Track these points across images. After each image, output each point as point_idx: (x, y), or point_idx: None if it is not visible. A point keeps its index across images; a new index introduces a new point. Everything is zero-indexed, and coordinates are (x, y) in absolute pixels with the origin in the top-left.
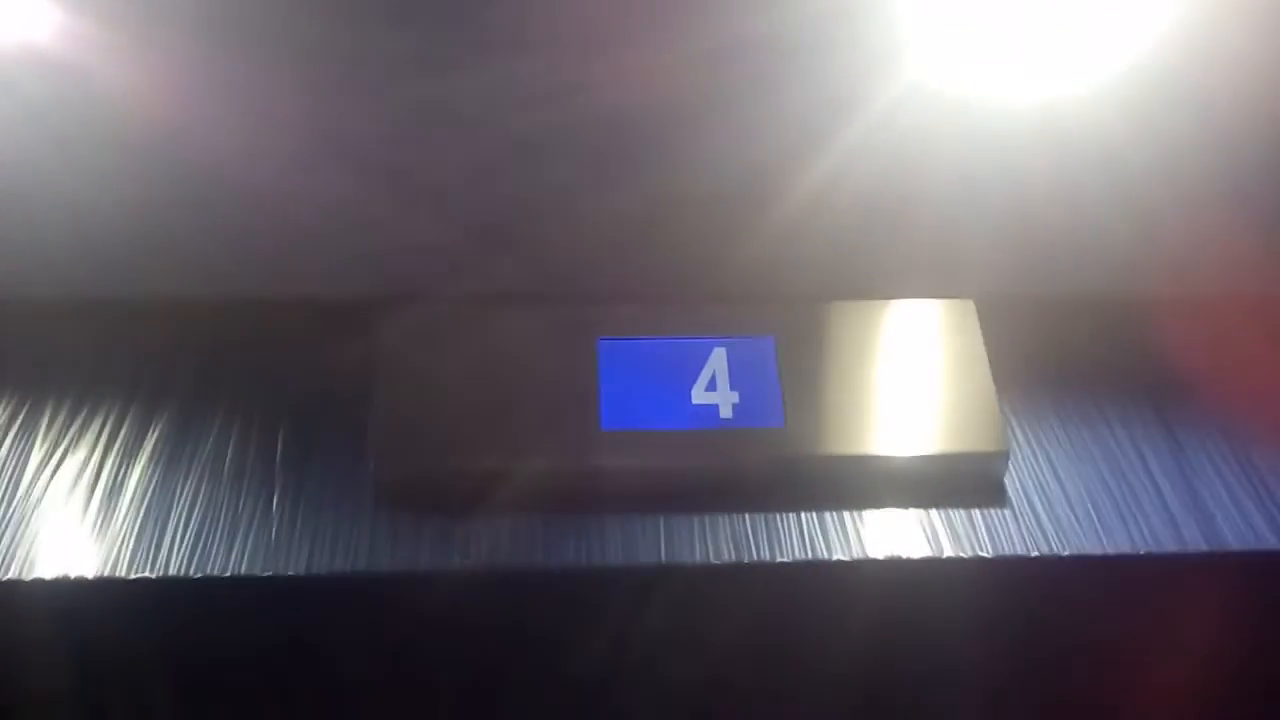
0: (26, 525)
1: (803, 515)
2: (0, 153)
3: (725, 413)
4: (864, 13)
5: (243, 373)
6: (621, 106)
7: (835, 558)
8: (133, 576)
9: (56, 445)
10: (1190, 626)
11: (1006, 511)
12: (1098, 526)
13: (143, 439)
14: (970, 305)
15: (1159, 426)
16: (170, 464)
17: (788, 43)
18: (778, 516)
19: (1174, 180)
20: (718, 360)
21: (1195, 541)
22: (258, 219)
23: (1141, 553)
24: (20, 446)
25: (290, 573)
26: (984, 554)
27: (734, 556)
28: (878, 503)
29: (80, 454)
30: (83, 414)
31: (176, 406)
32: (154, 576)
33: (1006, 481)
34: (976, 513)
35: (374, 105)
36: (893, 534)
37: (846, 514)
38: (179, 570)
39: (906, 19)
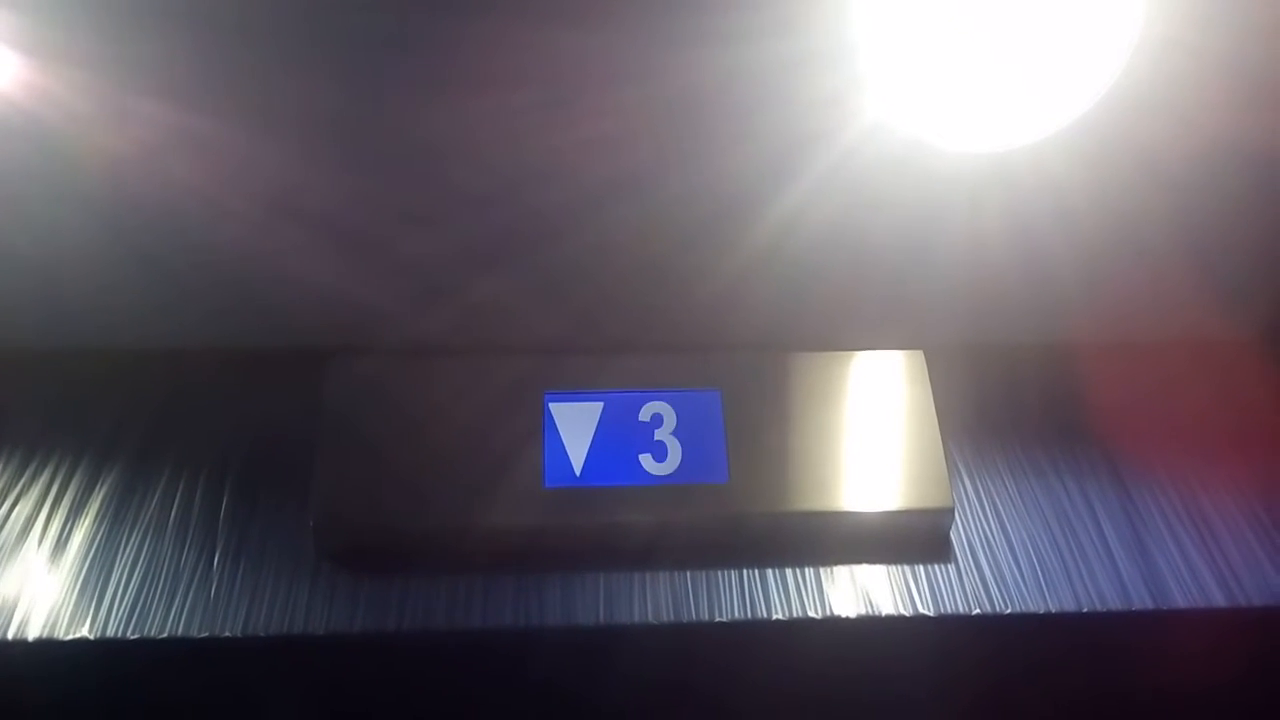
0: None
1: (744, 573)
2: None
3: (669, 469)
4: (815, 67)
5: (193, 425)
6: (568, 158)
7: (775, 617)
8: (70, 638)
9: (4, 499)
10: (1138, 681)
11: (951, 568)
12: (1042, 583)
13: (90, 493)
14: (920, 356)
15: (1109, 477)
16: (116, 519)
17: (737, 95)
18: (719, 574)
19: (1123, 229)
20: (663, 414)
21: (1142, 600)
22: (207, 272)
23: (1085, 610)
24: None
25: (227, 634)
26: (926, 612)
27: (673, 616)
28: (820, 559)
29: (26, 508)
30: (32, 467)
31: (125, 460)
32: (93, 638)
33: (953, 536)
34: (921, 569)
35: (320, 160)
36: (833, 592)
37: (789, 571)
38: (118, 631)
39: (857, 72)
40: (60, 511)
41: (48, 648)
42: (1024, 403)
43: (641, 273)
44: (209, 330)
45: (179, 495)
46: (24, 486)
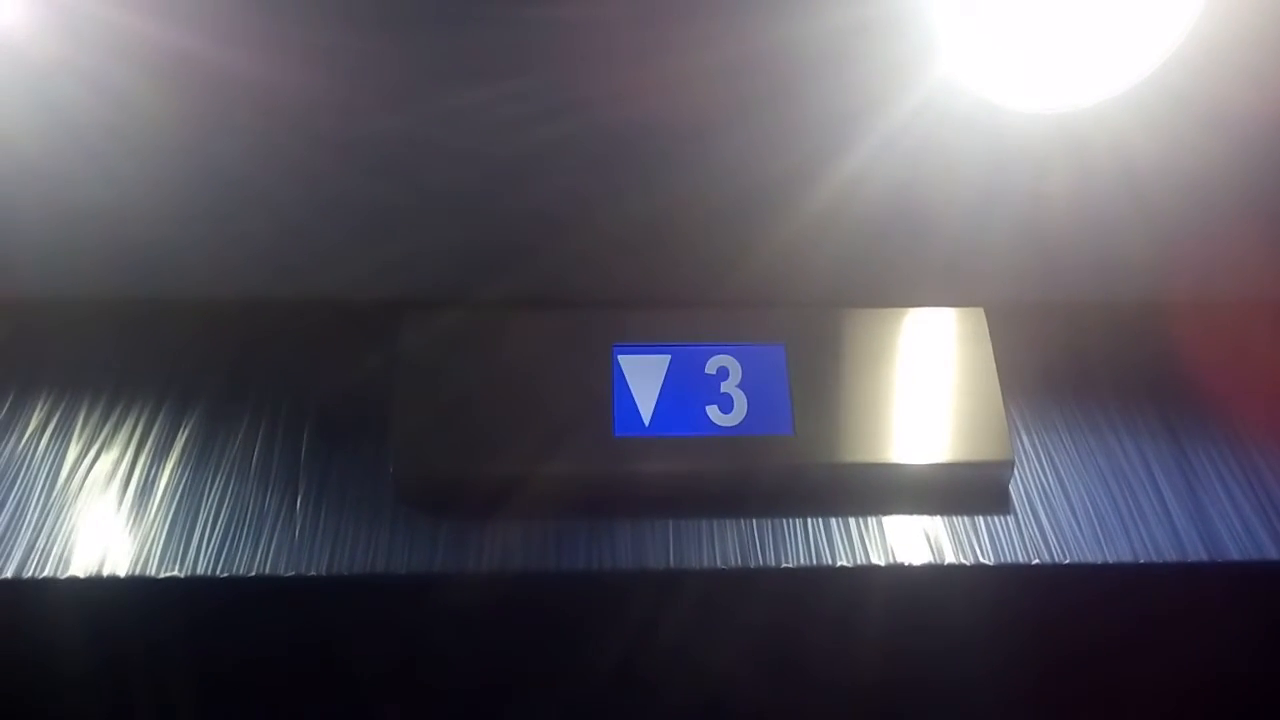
0: (61, 524)
1: (809, 522)
2: (36, 162)
3: (735, 420)
4: (881, 26)
5: (269, 374)
6: (639, 118)
7: (839, 564)
8: (162, 575)
9: (91, 443)
10: (1191, 634)
11: (1010, 519)
12: (1099, 535)
13: (173, 438)
14: (980, 314)
15: (1165, 435)
16: (200, 463)
17: (804, 55)
18: (784, 523)
19: (1187, 189)
20: (729, 367)
21: (1196, 552)
22: (284, 225)
23: (1142, 561)
24: (56, 445)
25: (312, 573)
26: (986, 561)
27: (740, 561)
28: (883, 509)
29: (114, 453)
30: (116, 414)
31: (206, 406)
32: (182, 575)
33: (1011, 489)
34: (980, 520)
35: (397, 113)
36: (896, 541)
37: (852, 521)
38: (206, 570)
39: (924, 32)
40: (144, 456)
41: (139, 585)
42: (1083, 361)
43: (708, 230)
44: (285, 283)
45: (259, 441)
46: (109, 433)
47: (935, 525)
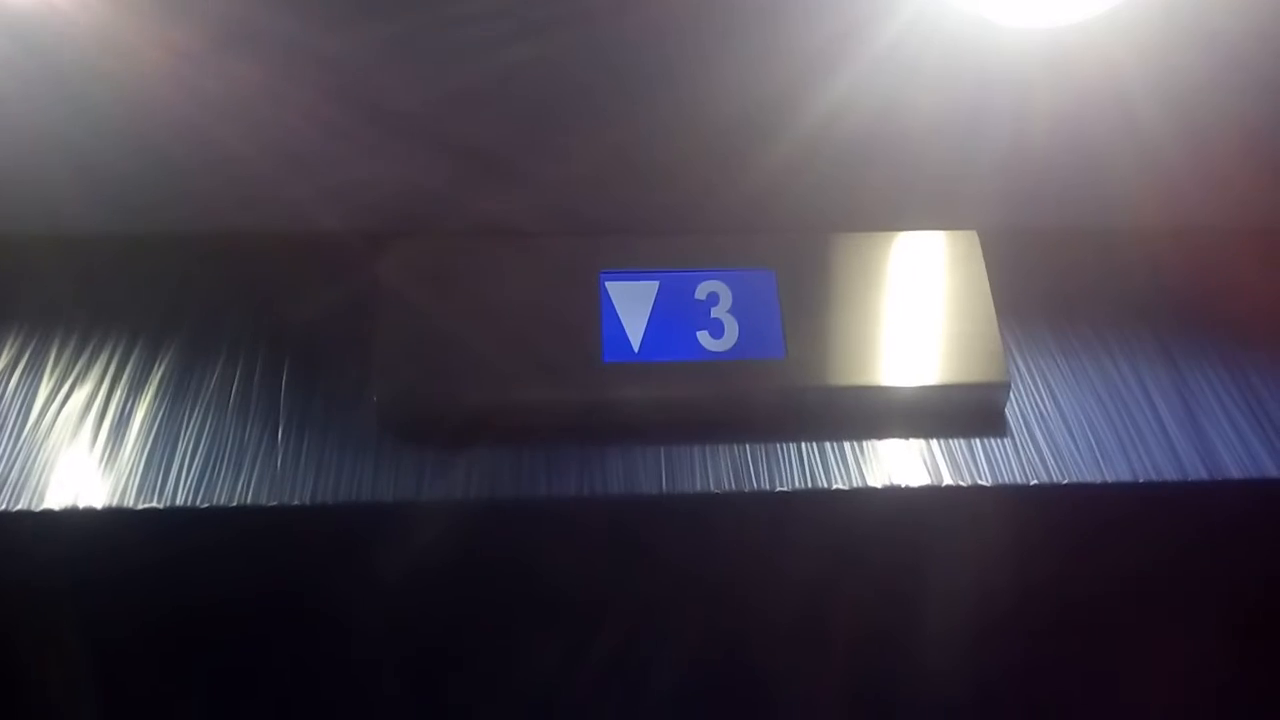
0: (35, 457)
1: (803, 445)
2: (2, 92)
3: (726, 344)
4: None
5: (247, 307)
6: (621, 38)
7: (835, 486)
8: (140, 507)
9: (64, 379)
10: (1192, 554)
11: (1007, 441)
12: (1098, 455)
13: (149, 372)
14: (974, 236)
15: (1160, 355)
16: (176, 396)
17: None
18: (778, 446)
19: (1178, 112)
20: (719, 293)
21: (1196, 471)
22: (258, 155)
23: (1141, 481)
24: (28, 381)
25: (295, 502)
26: (983, 483)
27: (734, 485)
28: (878, 433)
29: (87, 388)
30: (89, 348)
31: (182, 340)
32: (161, 507)
33: (1007, 412)
34: (977, 442)
35: (367, 38)
36: (892, 463)
37: (847, 444)
38: (186, 500)
39: None
40: (120, 391)
41: (116, 517)
42: (1076, 285)
43: (695, 155)
44: (263, 215)
45: (238, 373)
46: (82, 369)
47: (931, 448)
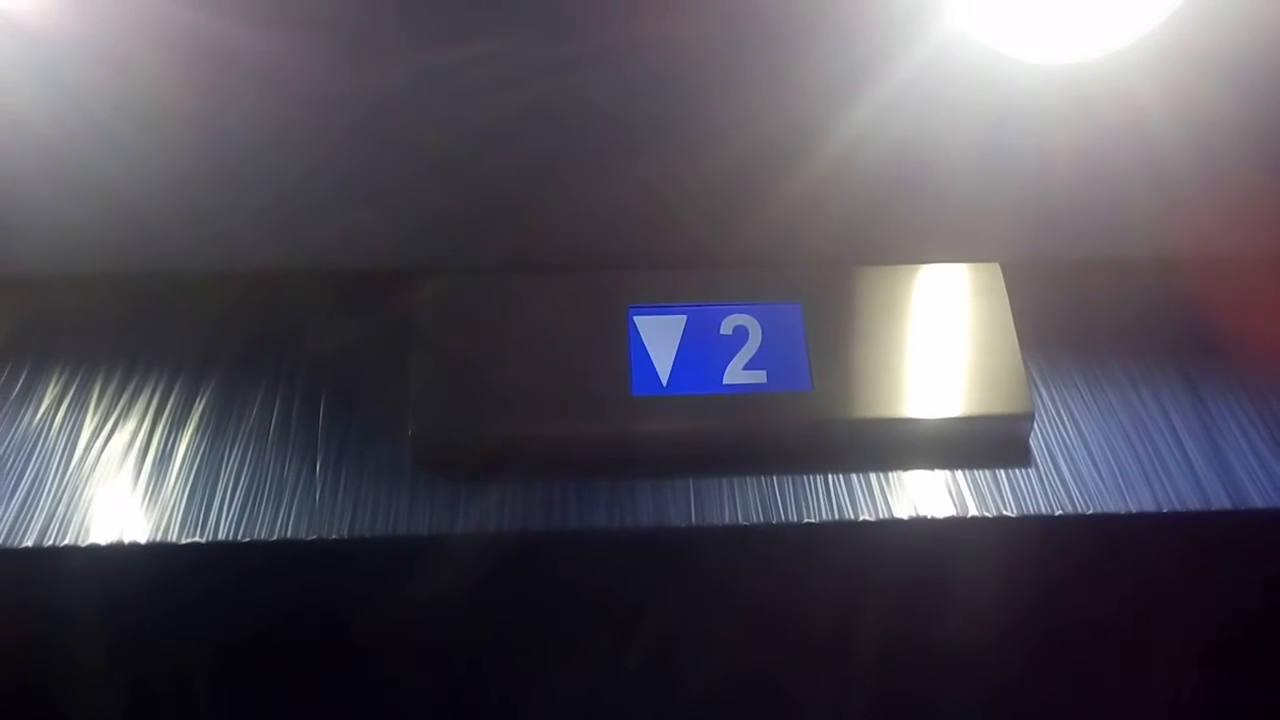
0: (81, 494)
1: (829, 477)
2: (46, 138)
3: (753, 378)
4: None
5: (285, 344)
6: (646, 73)
7: (861, 518)
8: (183, 542)
9: (107, 417)
10: (1216, 583)
11: (1031, 472)
12: (1121, 485)
13: (190, 408)
14: (996, 269)
15: (1183, 386)
16: (217, 433)
17: (811, 7)
18: (805, 479)
19: (1198, 142)
20: (746, 326)
21: (1219, 499)
22: (290, 194)
23: (1165, 510)
24: (72, 419)
25: (334, 536)
26: (1008, 513)
27: (762, 518)
28: (904, 464)
29: (130, 425)
30: (131, 386)
31: (221, 377)
32: (204, 541)
33: (1031, 442)
34: (1001, 473)
35: (397, 77)
36: (918, 495)
37: (873, 475)
38: (228, 535)
39: None
40: (161, 427)
41: (160, 552)
42: (1099, 316)
43: (720, 187)
44: (298, 254)
45: (276, 408)
46: (125, 406)
47: (957, 479)
